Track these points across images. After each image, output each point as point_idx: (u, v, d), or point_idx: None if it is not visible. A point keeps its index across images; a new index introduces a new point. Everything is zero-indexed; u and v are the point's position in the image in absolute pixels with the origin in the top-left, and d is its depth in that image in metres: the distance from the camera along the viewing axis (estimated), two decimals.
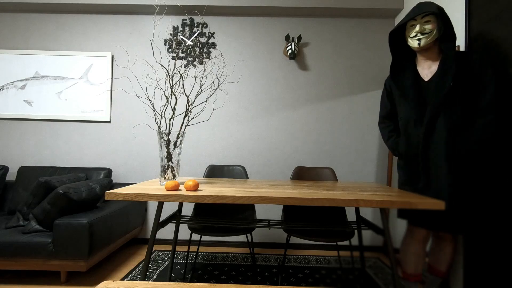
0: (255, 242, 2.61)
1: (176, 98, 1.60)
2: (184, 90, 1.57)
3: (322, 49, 2.64)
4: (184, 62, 2.65)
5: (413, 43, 1.44)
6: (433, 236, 1.59)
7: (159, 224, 1.41)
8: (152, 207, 2.67)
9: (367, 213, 2.63)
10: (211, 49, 2.66)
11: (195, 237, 2.59)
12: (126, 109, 2.66)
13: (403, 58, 1.61)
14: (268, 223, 1.56)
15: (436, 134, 1.40)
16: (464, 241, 1.57)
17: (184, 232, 2.60)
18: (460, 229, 1.38)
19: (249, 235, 2.62)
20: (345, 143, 2.61)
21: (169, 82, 1.62)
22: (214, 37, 2.66)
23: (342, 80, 2.63)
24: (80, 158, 2.65)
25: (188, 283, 0.71)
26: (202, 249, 2.53)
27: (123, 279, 1.92)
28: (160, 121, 1.60)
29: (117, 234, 2.09)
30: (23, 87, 2.65)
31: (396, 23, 2.61)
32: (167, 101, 1.59)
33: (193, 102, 1.60)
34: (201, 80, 2.16)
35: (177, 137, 1.47)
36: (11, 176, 2.64)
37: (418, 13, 1.40)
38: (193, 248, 2.54)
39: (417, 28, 1.41)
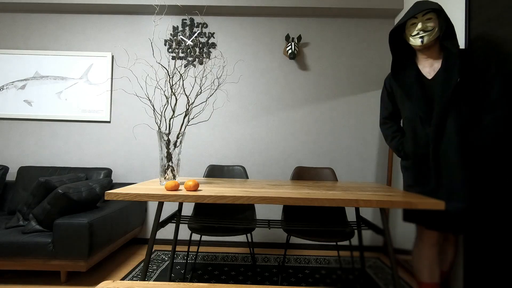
0: (255, 242, 2.61)
1: (176, 98, 1.60)
2: (184, 90, 1.57)
3: (322, 49, 2.64)
4: (184, 62, 2.65)
5: (415, 41, 1.43)
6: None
7: (159, 224, 1.41)
8: (152, 207, 2.67)
9: (367, 213, 2.63)
10: (211, 49, 2.66)
11: (195, 237, 2.59)
12: (126, 109, 2.66)
13: (403, 57, 1.60)
14: (268, 223, 1.56)
15: (446, 132, 1.36)
16: (464, 241, 1.57)
17: (184, 232, 2.60)
18: (474, 229, 1.34)
19: (249, 235, 2.62)
20: (345, 143, 2.61)
21: (169, 82, 1.62)
22: (214, 37, 2.66)
23: (342, 80, 2.63)
24: (80, 158, 2.65)
25: (188, 283, 0.71)
26: (202, 249, 2.53)
27: (123, 279, 1.92)
28: (160, 121, 1.60)
29: (117, 234, 2.09)
30: (23, 87, 2.65)
31: (396, 23, 2.61)
32: (167, 101, 1.59)
33: (193, 102, 1.60)
34: (201, 80, 2.16)
35: (177, 137, 1.47)
36: (11, 176, 2.64)
37: (420, 10, 1.39)
38: (193, 248, 2.54)
39: (419, 25, 1.40)
